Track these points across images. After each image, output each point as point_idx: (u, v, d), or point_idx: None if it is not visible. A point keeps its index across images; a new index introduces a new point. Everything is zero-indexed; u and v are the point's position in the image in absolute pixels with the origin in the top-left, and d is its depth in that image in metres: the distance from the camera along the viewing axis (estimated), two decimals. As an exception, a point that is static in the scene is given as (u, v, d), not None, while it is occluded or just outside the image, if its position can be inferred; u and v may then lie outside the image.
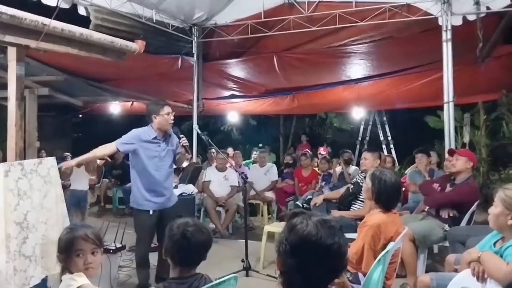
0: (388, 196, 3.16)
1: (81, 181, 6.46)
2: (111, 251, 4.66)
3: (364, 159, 5.29)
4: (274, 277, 4.61)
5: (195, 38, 8.07)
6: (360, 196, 5.07)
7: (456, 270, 3.10)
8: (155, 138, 4.30)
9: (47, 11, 3.97)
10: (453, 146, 6.17)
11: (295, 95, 9.53)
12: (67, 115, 13.26)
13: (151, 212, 4.26)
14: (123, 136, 4.36)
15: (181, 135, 4.54)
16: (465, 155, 4.88)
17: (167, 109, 4.33)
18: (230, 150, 9.31)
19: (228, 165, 7.36)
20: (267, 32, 7.33)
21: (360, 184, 5.09)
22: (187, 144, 4.54)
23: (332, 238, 1.47)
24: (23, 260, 3.33)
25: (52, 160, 3.85)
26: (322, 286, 1.52)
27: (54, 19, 3.68)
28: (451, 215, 4.69)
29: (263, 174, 8.16)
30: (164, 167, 4.36)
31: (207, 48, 8.40)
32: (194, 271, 2.26)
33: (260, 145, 12.33)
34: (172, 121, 4.37)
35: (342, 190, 5.65)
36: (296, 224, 1.50)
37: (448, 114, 6.19)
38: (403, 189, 5.67)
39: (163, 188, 4.36)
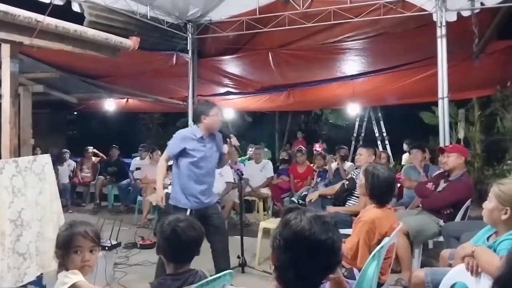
0: (381, 191, 3.17)
1: (64, 176, 9.23)
2: (107, 248, 4.65)
3: (359, 155, 5.31)
4: (269, 273, 4.62)
5: (190, 34, 8.04)
6: (355, 192, 5.09)
7: (450, 265, 3.11)
8: (201, 138, 4.26)
9: (41, 8, 3.95)
10: (447, 142, 6.19)
11: (290, 91, 9.54)
12: (62, 112, 13.23)
13: (188, 212, 4.10)
14: (169, 142, 4.33)
15: (231, 134, 4.51)
16: (455, 151, 4.90)
17: (216, 109, 4.28)
18: (225, 147, 9.30)
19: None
20: (262, 29, 7.32)
21: (355, 180, 5.11)
22: (238, 144, 4.52)
23: (326, 234, 1.48)
24: (17, 258, 3.33)
25: (46, 158, 3.84)
26: (316, 281, 1.53)
27: (48, 15, 3.67)
28: (447, 212, 4.72)
29: (258, 170, 8.16)
30: (208, 166, 4.33)
31: (202, 45, 8.37)
32: (188, 267, 2.26)
33: (264, 144, 12.33)
34: (221, 122, 4.37)
35: (337, 186, 5.67)
36: (290, 220, 1.51)
37: (443, 109, 6.20)
38: (398, 185, 5.71)
39: (206, 187, 4.33)
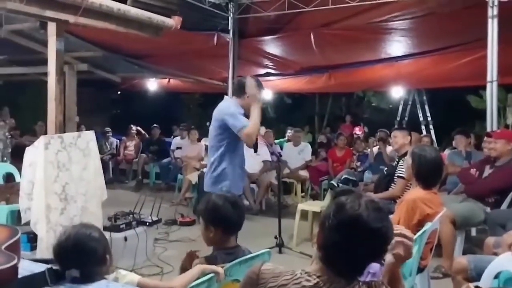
0: (428, 171, 3.07)
1: None
2: (148, 224, 4.76)
3: (394, 137, 5.21)
4: (307, 255, 4.62)
5: (231, 14, 8.00)
6: (395, 177, 4.97)
7: (495, 253, 3.02)
8: (244, 114, 3.61)
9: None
10: (495, 128, 5.95)
11: (332, 73, 9.35)
12: (106, 91, 13.50)
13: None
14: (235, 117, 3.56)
15: None
16: (503, 137, 4.73)
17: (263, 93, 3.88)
18: (262, 129, 9.29)
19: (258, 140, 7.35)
20: (304, 8, 7.18)
21: (393, 165, 5.01)
22: None
23: (381, 221, 1.47)
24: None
25: (91, 134, 3.93)
26: (364, 264, 1.53)
27: (92, -6, 3.72)
28: (493, 199, 4.57)
29: (297, 153, 8.11)
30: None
31: (243, 25, 8.32)
32: (236, 241, 2.39)
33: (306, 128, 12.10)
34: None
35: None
36: (347, 203, 1.49)
37: (491, 94, 5.93)
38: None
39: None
